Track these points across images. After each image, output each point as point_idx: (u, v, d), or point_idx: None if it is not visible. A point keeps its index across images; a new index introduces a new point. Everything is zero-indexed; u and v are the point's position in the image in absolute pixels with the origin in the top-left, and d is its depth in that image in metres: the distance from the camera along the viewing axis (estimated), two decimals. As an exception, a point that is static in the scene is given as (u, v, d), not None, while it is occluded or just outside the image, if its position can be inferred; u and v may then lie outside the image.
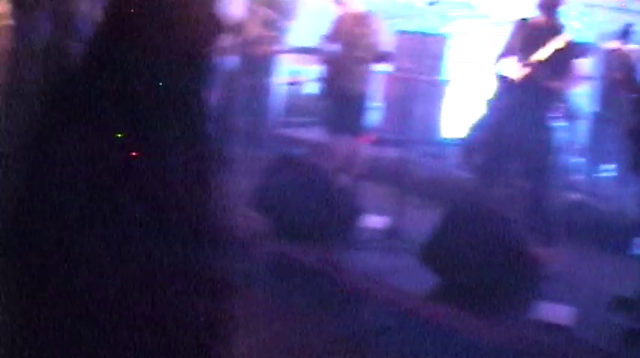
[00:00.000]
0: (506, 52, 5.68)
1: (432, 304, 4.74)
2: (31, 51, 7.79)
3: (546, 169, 5.60)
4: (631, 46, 7.67)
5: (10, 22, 7.67)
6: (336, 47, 6.99)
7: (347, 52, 6.85)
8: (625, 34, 7.19)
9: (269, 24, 7.58)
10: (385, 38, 7.08)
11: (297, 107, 9.24)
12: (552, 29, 5.47)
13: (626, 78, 4.96)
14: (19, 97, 7.70)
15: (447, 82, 8.68)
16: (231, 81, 7.64)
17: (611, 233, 5.99)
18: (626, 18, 8.01)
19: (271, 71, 7.97)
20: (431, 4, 6.11)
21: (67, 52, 7.64)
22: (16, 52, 7.71)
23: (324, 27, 7.79)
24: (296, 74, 9.30)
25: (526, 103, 5.49)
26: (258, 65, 7.68)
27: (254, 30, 7.57)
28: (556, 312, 4.63)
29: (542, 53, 5.37)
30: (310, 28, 8.99)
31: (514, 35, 5.70)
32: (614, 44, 7.59)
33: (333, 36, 7.06)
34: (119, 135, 1.50)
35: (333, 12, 7.22)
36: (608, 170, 7.30)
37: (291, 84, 9.15)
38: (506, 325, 4.44)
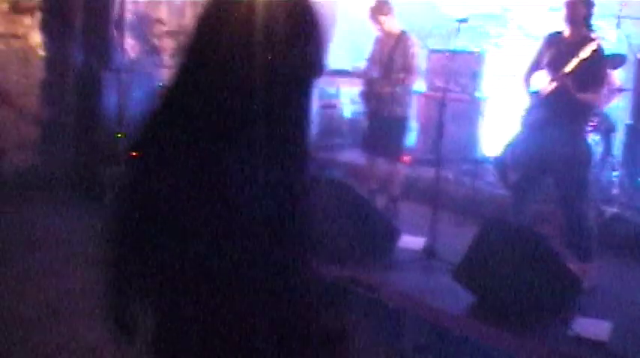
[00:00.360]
0: (536, 66, 5.72)
1: (471, 322, 4.78)
2: (63, 81, 8.06)
3: (582, 183, 5.61)
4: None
5: (44, 53, 7.96)
6: (374, 68, 7.13)
7: (384, 72, 6.99)
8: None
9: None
10: (420, 58, 7.19)
11: (334, 129, 9.35)
12: (582, 42, 5.50)
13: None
14: (54, 125, 7.97)
15: (481, 99, 8.72)
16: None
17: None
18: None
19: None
20: (461, 21, 6.18)
21: (98, 80, 7.90)
22: (49, 81, 7.99)
23: (360, 49, 7.91)
24: (331, 97, 9.43)
25: (559, 117, 5.51)
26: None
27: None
28: (595, 328, 4.65)
29: (572, 66, 5.40)
30: (346, 50, 9.15)
31: (544, 49, 5.74)
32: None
33: (372, 57, 7.21)
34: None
35: (369, 33, 7.34)
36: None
37: (327, 107, 9.28)
38: (544, 342, 4.47)
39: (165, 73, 8.23)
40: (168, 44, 8.53)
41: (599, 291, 5.31)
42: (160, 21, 8.54)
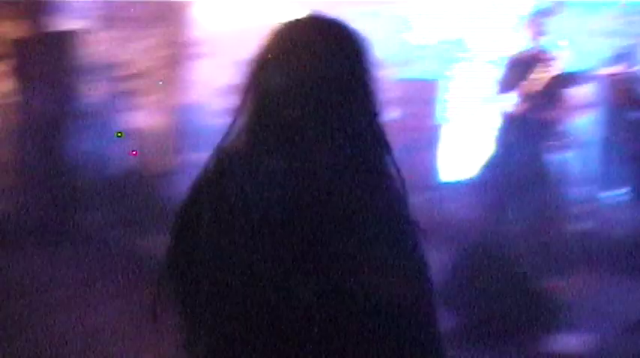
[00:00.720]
0: (502, 88, 5.78)
1: (452, 343, 4.77)
2: (34, 126, 8.02)
3: (555, 200, 5.65)
4: (629, 69, 7.82)
5: (15, 99, 7.91)
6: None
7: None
8: (622, 57, 7.31)
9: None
10: (386, 87, 7.21)
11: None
12: (545, 61, 5.58)
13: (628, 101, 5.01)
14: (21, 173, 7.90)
15: (444, 125, 8.76)
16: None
17: (625, 258, 6.02)
18: (620, 42, 8.17)
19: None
20: (421, 48, 6.26)
21: (68, 127, 7.87)
22: (20, 127, 7.93)
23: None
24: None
25: (527, 137, 5.57)
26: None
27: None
28: (575, 342, 4.67)
29: (537, 85, 5.47)
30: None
31: (508, 70, 5.81)
32: (612, 69, 7.73)
33: None
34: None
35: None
36: (618, 195, 7.34)
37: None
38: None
39: (128, 116, 8.27)
40: (131, 87, 8.55)
41: (577, 306, 5.33)
42: (123, 64, 8.54)
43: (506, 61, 5.87)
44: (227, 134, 1.65)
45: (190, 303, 1.67)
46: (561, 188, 5.90)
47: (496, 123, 5.86)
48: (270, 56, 1.59)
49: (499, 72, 5.90)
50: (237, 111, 1.63)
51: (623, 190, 7.23)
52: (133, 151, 7.71)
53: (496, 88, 5.86)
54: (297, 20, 1.64)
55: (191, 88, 8.19)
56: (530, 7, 6.08)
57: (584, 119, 7.43)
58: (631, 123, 7.27)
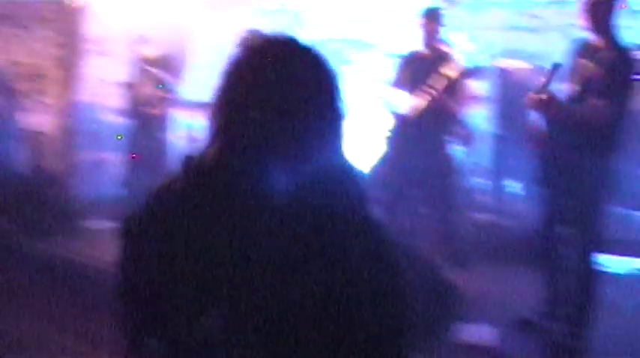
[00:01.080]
0: (397, 86, 5.74)
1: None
2: None
3: (452, 194, 5.65)
4: (522, 64, 7.95)
5: None
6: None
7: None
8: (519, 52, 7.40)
9: (161, 83, 7.54)
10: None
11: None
12: (441, 57, 5.57)
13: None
14: None
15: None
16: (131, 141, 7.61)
17: (522, 249, 6.06)
18: (515, 36, 8.31)
19: (167, 128, 7.92)
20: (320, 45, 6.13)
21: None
22: None
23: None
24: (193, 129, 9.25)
25: (423, 132, 5.54)
26: (153, 125, 7.63)
27: (147, 90, 7.53)
28: (480, 333, 4.65)
29: (436, 80, 5.45)
30: (207, 81, 9.01)
31: (403, 68, 5.77)
32: (507, 63, 7.83)
33: None
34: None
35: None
36: (514, 187, 7.42)
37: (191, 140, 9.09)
38: (432, 352, 4.43)
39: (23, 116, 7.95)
40: (28, 87, 8.19)
41: (479, 297, 5.32)
42: (17, 63, 8.18)
43: (404, 57, 5.83)
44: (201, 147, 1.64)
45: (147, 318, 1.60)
46: (460, 181, 5.89)
47: (393, 119, 5.80)
48: (241, 74, 1.61)
49: (397, 68, 5.85)
50: (211, 125, 1.62)
51: (519, 184, 7.31)
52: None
53: (394, 83, 5.80)
54: (271, 40, 1.66)
55: (87, 87, 7.89)
56: (428, 2, 6.07)
57: (481, 113, 7.50)
58: (526, 117, 7.37)
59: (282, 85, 1.55)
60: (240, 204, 1.51)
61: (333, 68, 1.64)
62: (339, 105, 1.63)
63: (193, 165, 1.59)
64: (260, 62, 1.59)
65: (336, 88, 1.62)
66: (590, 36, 4.42)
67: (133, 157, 7.46)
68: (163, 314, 1.55)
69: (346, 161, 1.64)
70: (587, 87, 4.36)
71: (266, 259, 1.48)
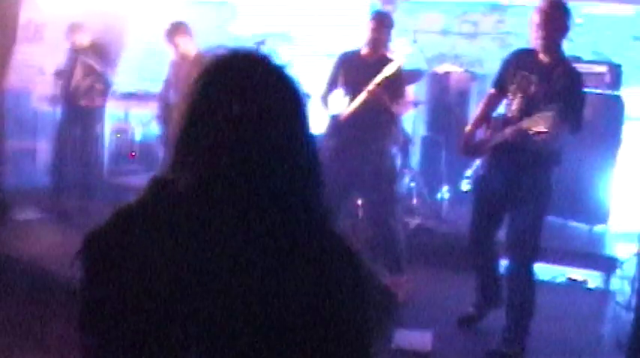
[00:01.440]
0: (333, 87, 5.66)
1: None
2: None
3: (391, 197, 5.64)
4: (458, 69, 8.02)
5: None
6: (170, 92, 6.88)
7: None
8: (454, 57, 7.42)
9: (93, 74, 7.34)
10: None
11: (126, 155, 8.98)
12: (381, 60, 5.54)
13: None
14: None
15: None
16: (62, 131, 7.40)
17: (452, 252, 6.12)
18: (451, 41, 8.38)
19: (99, 120, 7.73)
20: (259, 43, 6.02)
21: None
22: None
23: (149, 71, 7.65)
24: (120, 121, 9.07)
25: (364, 135, 5.50)
26: (85, 115, 7.44)
27: (79, 81, 7.33)
28: (416, 339, 4.67)
29: (377, 81, 5.40)
30: (134, 72, 8.83)
31: (339, 68, 5.69)
32: (443, 68, 7.86)
33: (168, 81, 6.97)
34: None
35: (160, 56, 7.10)
36: (444, 191, 7.48)
37: (119, 132, 8.91)
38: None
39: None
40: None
41: (415, 302, 5.34)
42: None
43: (342, 56, 5.77)
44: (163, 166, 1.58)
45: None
46: (396, 184, 5.89)
47: (329, 124, 5.71)
48: (207, 88, 1.58)
49: (333, 67, 5.78)
50: (172, 143, 1.56)
51: (446, 187, 7.37)
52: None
53: (329, 83, 5.72)
54: (237, 54, 1.61)
55: (19, 74, 7.62)
56: (366, 4, 6.05)
57: (410, 116, 7.53)
58: (451, 121, 7.43)
59: (251, 106, 1.50)
60: (217, 234, 1.45)
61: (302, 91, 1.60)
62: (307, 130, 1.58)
63: (165, 191, 1.52)
64: (232, 83, 1.55)
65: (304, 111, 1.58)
66: (537, 48, 4.46)
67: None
68: (132, 347, 1.47)
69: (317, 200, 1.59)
70: (532, 100, 4.41)
71: (246, 292, 1.43)
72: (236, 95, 1.51)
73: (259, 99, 1.51)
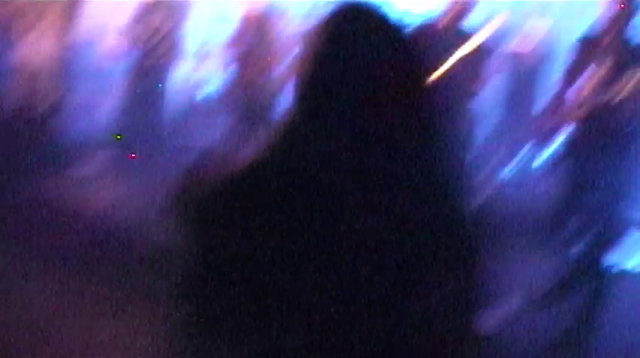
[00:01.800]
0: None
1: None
2: None
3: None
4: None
5: None
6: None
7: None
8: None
9: (163, 32, 7.30)
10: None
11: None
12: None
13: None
14: None
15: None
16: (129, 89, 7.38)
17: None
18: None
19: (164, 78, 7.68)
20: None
21: None
22: None
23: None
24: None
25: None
26: (149, 72, 7.40)
27: (144, 38, 7.29)
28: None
29: None
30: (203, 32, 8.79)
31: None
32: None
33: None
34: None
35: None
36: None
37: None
38: None
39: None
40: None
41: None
42: None
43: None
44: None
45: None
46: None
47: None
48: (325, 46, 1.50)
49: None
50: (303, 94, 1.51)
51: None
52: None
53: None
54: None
55: (81, 27, 7.56)
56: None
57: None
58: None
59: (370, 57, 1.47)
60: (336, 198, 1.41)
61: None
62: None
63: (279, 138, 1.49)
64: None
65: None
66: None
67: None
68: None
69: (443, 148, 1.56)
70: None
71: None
72: (367, 41, 1.47)
73: (388, 43, 1.49)
